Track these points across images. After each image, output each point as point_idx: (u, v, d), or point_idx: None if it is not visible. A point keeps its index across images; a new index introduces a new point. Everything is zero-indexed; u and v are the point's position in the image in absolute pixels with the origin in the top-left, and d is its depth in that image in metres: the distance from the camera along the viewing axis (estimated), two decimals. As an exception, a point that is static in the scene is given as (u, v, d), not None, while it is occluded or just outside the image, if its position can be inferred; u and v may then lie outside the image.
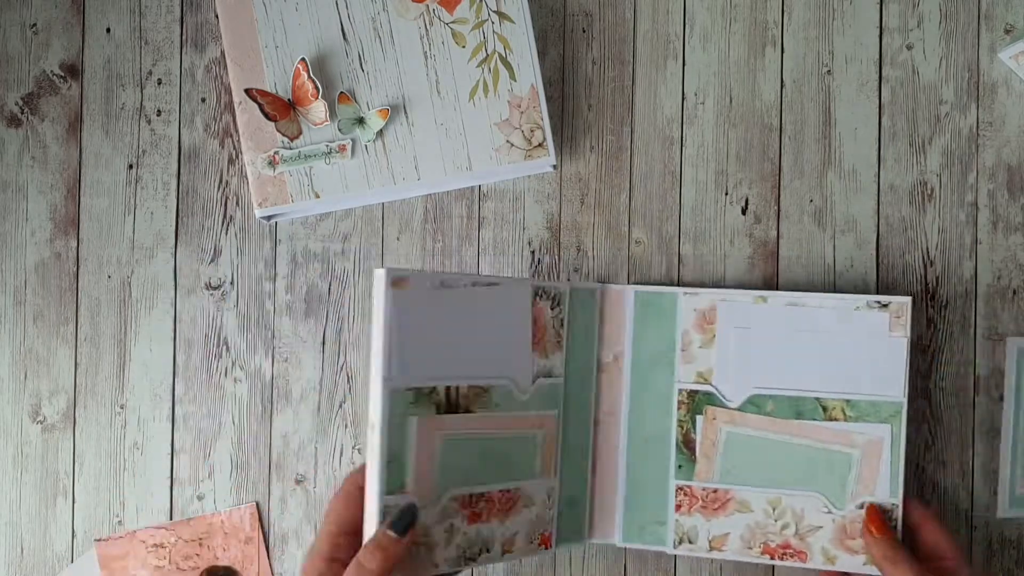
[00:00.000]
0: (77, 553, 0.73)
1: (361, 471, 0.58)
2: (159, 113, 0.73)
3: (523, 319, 0.64)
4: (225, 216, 0.73)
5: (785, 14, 0.73)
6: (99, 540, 0.72)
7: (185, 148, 0.73)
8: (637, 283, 0.72)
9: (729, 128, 0.73)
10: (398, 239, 0.73)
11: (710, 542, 0.67)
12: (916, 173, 0.73)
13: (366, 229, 0.73)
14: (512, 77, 0.70)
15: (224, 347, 0.73)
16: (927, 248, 0.73)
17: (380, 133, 0.70)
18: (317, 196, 0.70)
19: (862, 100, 0.73)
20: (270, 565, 0.72)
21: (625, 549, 0.71)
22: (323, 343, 0.73)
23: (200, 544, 0.72)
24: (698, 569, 0.72)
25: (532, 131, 0.70)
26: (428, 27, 0.70)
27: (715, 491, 0.67)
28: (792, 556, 0.66)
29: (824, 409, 0.67)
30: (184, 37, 0.74)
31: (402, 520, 0.56)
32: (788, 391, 0.67)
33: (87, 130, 0.73)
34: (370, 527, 0.56)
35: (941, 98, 0.73)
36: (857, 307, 0.66)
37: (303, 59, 0.69)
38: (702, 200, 0.73)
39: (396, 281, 0.57)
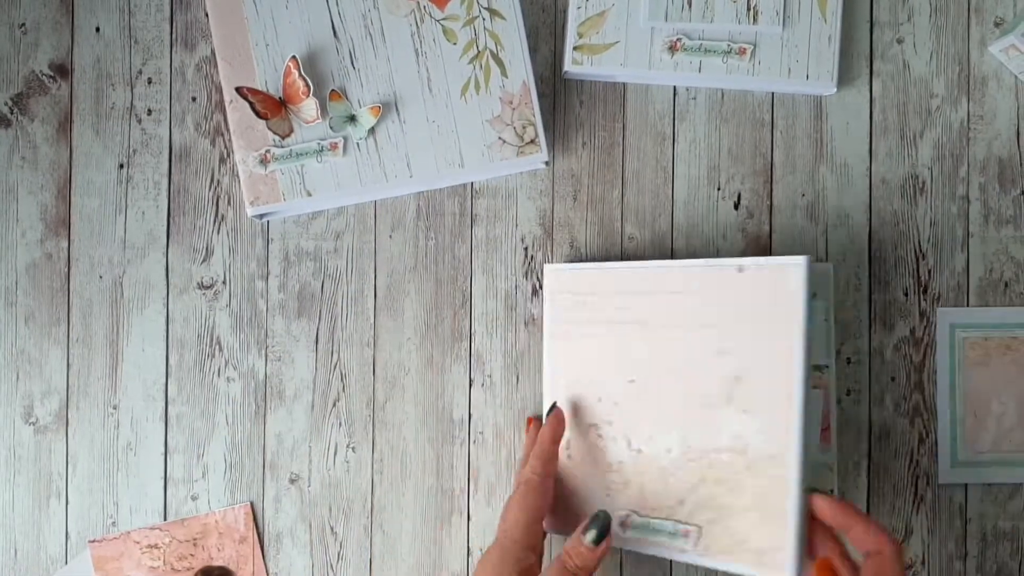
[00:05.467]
0: (71, 555, 0.72)
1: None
2: (149, 112, 0.73)
3: None
4: (217, 215, 0.73)
5: (776, 9, 0.73)
6: (93, 541, 0.72)
7: (176, 147, 0.73)
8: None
9: (721, 123, 0.73)
10: (391, 237, 0.73)
11: None
12: (907, 167, 0.73)
13: (358, 227, 0.73)
14: (504, 74, 0.70)
15: (217, 346, 0.73)
16: (919, 241, 0.73)
17: (372, 130, 0.70)
18: (309, 194, 0.70)
19: (853, 94, 0.73)
20: (265, 565, 0.72)
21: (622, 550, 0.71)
22: (316, 342, 0.73)
23: (195, 544, 0.72)
24: (694, 570, 0.72)
25: (524, 127, 0.70)
26: (419, 24, 0.70)
27: None
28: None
29: None
30: (174, 36, 0.73)
31: (597, 528, 0.56)
32: None
33: (77, 130, 0.73)
34: None
35: (932, 91, 0.73)
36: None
37: (294, 57, 0.68)
38: (694, 195, 0.73)
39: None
